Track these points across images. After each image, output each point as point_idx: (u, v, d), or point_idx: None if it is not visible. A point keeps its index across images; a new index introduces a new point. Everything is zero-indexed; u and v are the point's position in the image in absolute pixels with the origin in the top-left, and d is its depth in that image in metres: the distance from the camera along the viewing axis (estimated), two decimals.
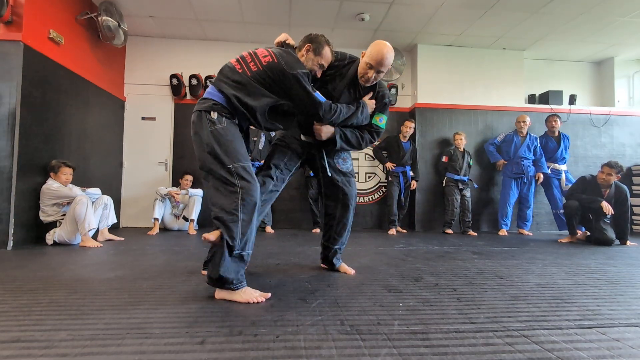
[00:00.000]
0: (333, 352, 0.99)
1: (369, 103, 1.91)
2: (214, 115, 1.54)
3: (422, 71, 4.91)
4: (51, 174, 3.04)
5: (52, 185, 2.99)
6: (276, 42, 1.78)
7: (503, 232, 4.37)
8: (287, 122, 1.79)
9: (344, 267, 2.08)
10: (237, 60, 1.64)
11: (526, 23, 4.27)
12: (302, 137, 1.95)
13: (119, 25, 3.94)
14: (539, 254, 2.85)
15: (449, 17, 4.18)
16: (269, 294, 1.50)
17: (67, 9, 3.48)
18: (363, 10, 4.06)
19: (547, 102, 5.09)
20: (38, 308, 1.33)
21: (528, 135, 4.49)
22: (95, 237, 3.17)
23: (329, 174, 1.98)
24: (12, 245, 2.79)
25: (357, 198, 4.88)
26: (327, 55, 1.76)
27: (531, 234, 4.38)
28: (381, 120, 1.97)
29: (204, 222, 4.49)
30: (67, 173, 3.08)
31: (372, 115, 1.95)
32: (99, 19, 3.74)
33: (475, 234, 4.33)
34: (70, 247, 2.91)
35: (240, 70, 1.60)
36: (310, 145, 1.97)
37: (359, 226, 4.90)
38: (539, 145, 4.50)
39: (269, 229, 4.27)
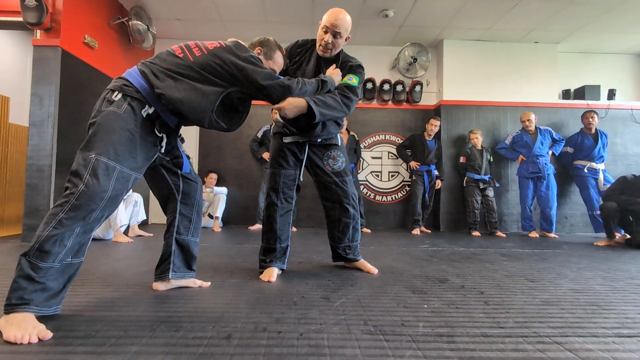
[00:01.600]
0: (357, 352, 0.99)
1: (334, 73, 1.79)
2: (116, 96, 1.27)
3: (448, 67, 4.78)
4: None
5: None
6: None
7: (534, 234, 4.18)
8: (234, 121, 1.53)
9: (366, 265, 2.01)
10: (180, 47, 1.43)
11: (561, 14, 4.07)
12: (284, 139, 1.89)
13: (148, 29, 4.09)
14: (573, 257, 2.72)
15: (477, 11, 4.05)
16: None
17: (100, 15, 3.65)
18: (387, 6, 4.00)
19: (583, 98, 4.82)
20: (76, 299, 1.40)
21: (538, 131, 4.27)
22: (126, 233, 3.32)
23: (317, 177, 1.96)
24: None
25: (381, 197, 4.90)
26: (278, 60, 1.65)
27: (557, 237, 4.13)
28: (350, 79, 1.79)
29: (229, 220, 4.58)
30: None
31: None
32: (130, 23, 3.90)
33: (504, 235, 4.18)
34: (103, 242, 3.05)
35: (180, 55, 1.38)
36: (299, 147, 1.91)
37: (381, 225, 4.85)
38: (553, 134, 4.31)
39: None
